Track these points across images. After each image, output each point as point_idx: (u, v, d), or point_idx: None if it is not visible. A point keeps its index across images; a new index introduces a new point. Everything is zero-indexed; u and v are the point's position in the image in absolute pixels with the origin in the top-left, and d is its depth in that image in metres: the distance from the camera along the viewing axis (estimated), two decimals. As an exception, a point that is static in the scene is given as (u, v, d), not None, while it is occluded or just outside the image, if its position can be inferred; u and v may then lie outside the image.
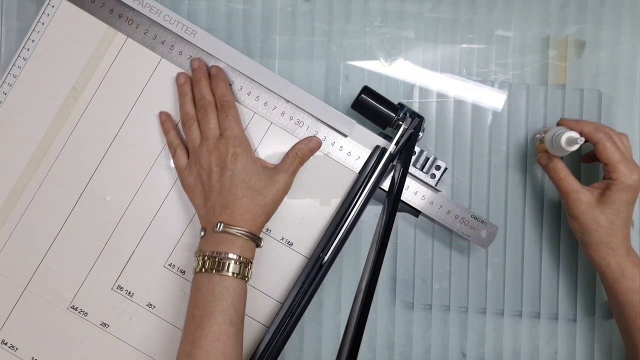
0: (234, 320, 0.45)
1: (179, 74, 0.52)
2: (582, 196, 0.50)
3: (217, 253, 0.46)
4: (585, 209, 0.50)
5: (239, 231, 0.47)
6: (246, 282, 0.47)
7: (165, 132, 0.52)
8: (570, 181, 0.51)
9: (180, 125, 0.53)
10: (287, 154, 0.52)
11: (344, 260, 0.57)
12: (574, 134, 0.49)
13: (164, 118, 0.52)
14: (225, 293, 0.45)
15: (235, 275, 0.46)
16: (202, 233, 0.49)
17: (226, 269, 0.46)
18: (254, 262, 0.48)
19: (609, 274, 0.50)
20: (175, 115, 0.53)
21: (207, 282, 0.46)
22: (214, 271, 0.46)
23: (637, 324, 0.48)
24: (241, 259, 0.46)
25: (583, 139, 0.48)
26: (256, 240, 0.48)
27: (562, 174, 0.51)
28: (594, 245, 0.50)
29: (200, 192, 0.50)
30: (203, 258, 0.47)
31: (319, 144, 0.52)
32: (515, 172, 0.58)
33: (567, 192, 0.50)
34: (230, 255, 0.46)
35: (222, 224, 0.47)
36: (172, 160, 0.53)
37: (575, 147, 0.50)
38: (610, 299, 0.52)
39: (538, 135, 0.56)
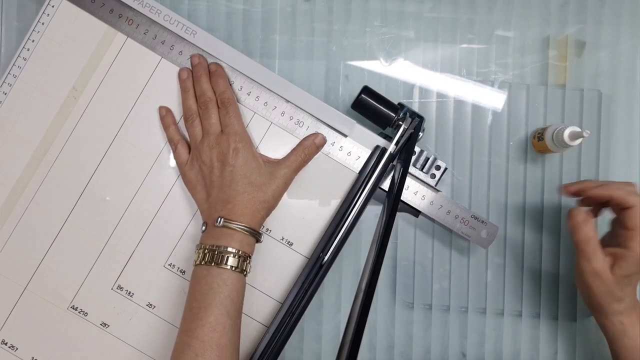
0: (231, 312, 0.45)
1: (181, 70, 0.52)
2: (600, 268, 0.46)
3: (216, 246, 0.47)
4: (600, 281, 0.47)
5: (239, 226, 0.47)
6: (245, 276, 0.48)
7: (166, 127, 0.52)
8: (589, 239, 0.46)
9: (181, 121, 0.53)
10: (293, 149, 0.52)
11: (344, 260, 0.57)
12: (577, 128, 0.49)
13: (164, 113, 0.52)
14: (223, 286, 0.46)
15: (233, 268, 0.46)
16: (204, 228, 0.49)
17: (225, 262, 0.46)
18: (254, 260, 0.49)
19: (611, 330, 0.49)
20: (176, 113, 0.53)
21: (206, 274, 0.46)
22: (213, 264, 0.46)
23: None
24: (240, 252, 0.47)
25: (589, 132, 0.48)
26: (256, 235, 0.49)
27: (584, 226, 0.46)
28: (599, 307, 0.49)
29: (202, 187, 0.50)
30: (203, 251, 0.47)
31: (324, 140, 0.53)
32: (515, 172, 0.58)
33: (584, 255, 0.47)
34: (229, 249, 0.46)
35: (222, 219, 0.47)
36: (172, 160, 0.53)
37: (578, 142, 0.50)
38: (611, 351, 0.51)
39: (535, 133, 0.56)
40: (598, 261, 0.46)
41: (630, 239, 0.47)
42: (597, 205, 0.51)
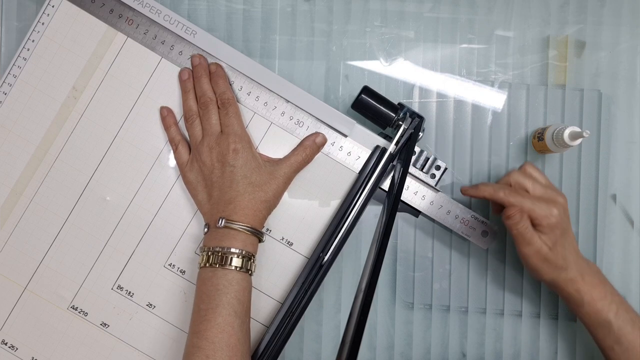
0: (239, 312, 0.46)
1: (182, 70, 0.52)
2: (536, 246, 0.49)
3: (220, 248, 0.47)
4: (543, 258, 0.49)
5: (241, 226, 0.47)
6: (250, 275, 0.48)
7: (167, 128, 0.52)
8: (526, 229, 0.49)
9: (181, 121, 0.53)
10: (294, 148, 0.52)
11: (344, 260, 0.57)
12: (577, 128, 0.49)
13: (165, 113, 0.52)
14: (229, 286, 0.46)
15: (238, 269, 0.46)
16: (206, 229, 0.49)
17: (229, 263, 0.46)
18: (257, 257, 0.49)
19: (571, 301, 0.51)
20: (176, 113, 0.53)
21: (211, 276, 0.46)
22: (217, 265, 0.46)
23: (607, 343, 0.50)
24: (244, 252, 0.47)
25: (588, 132, 0.49)
26: (258, 235, 0.49)
27: (520, 222, 0.49)
28: (554, 283, 0.51)
29: (203, 188, 0.50)
30: (207, 253, 0.47)
31: (325, 140, 0.53)
32: (515, 172, 0.58)
33: (523, 241, 0.49)
34: (233, 250, 0.47)
35: (223, 220, 0.47)
36: (172, 160, 0.53)
37: (578, 142, 0.50)
38: (583, 323, 0.53)
39: (535, 133, 0.56)
40: (537, 242, 0.49)
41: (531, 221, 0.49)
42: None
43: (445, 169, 0.54)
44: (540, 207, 0.49)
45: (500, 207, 0.52)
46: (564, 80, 0.58)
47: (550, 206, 0.49)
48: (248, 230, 0.48)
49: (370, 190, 0.51)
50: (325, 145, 0.53)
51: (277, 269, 0.53)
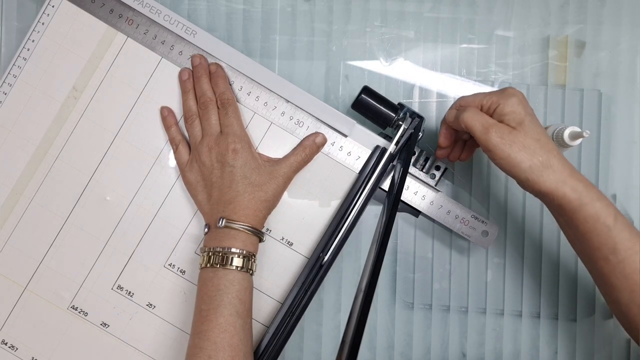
0: (240, 312, 0.46)
1: (182, 70, 0.52)
2: (502, 128, 0.44)
3: (220, 248, 0.47)
4: (511, 139, 0.43)
5: (241, 226, 0.47)
6: (251, 275, 0.48)
7: (167, 128, 0.52)
8: (484, 119, 0.44)
9: (181, 121, 0.53)
10: (294, 148, 0.52)
11: (344, 260, 0.57)
12: (577, 128, 0.49)
13: (166, 113, 0.52)
14: (230, 286, 0.46)
15: (239, 268, 0.47)
16: (206, 230, 0.49)
17: (230, 263, 0.46)
18: (257, 257, 0.49)
19: (566, 204, 0.44)
20: (176, 113, 0.53)
21: (212, 276, 0.47)
22: (218, 266, 0.46)
23: (602, 252, 0.44)
24: (244, 252, 0.47)
25: (588, 132, 0.48)
26: (258, 235, 0.49)
27: (472, 116, 0.45)
28: (536, 172, 0.43)
29: (202, 189, 0.50)
30: (208, 254, 0.47)
31: (325, 140, 0.53)
32: (515, 172, 0.58)
33: (486, 129, 0.44)
34: (234, 250, 0.47)
35: (224, 220, 0.47)
36: (172, 160, 0.53)
37: (578, 142, 0.50)
38: (568, 230, 0.47)
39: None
40: (492, 121, 0.44)
41: (494, 115, 0.45)
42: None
43: (445, 168, 0.54)
44: (494, 94, 0.45)
45: (451, 138, 0.50)
46: (564, 80, 0.58)
47: (505, 94, 0.44)
48: (248, 230, 0.48)
49: (370, 190, 0.51)
50: (325, 145, 0.53)
51: (277, 269, 0.53)
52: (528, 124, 0.44)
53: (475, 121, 0.44)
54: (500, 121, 0.45)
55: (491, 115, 0.45)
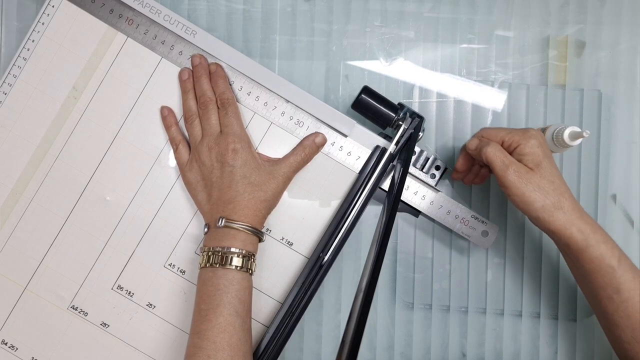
0: (240, 311, 0.46)
1: (182, 70, 0.52)
2: (520, 167, 0.46)
3: (220, 248, 0.47)
4: (527, 179, 0.46)
5: (241, 225, 0.47)
6: (250, 275, 0.48)
7: (167, 128, 0.52)
8: (505, 156, 0.47)
9: (181, 121, 0.53)
10: (294, 148, 0.53)
11: (344, 260, 0.57)
12: (577, 128, 0.49)
13: (166, 113, 0.53)
14: (230, 286, 0.46)
15: (238, 268, 0.47)
16: (206, 229, 0.49)
17: (229, 262, 0.46)
18: (257, 257, 0.49)
19: (573, 244, 0.46)
20: (176, 113, 0.53)
21: (212, 276, 0.47)
22: (218, 265, 0.47)
23: (607, 292, 0.46)
24: (244, 252, 0.47)
25: (588, 132, 0.48)
26: (258, 234, 0.49)
27: (498, 151, 0.47)
28: (547, 212, 0.46)
29: (202, 189, 0.50)
30: (207, 253, 0.47)
31: (324, 140, 0.53)
32: (515, 172, 0.58)
33: (506, 167, 0.46)
34: (233, 249, 0.47)
35: (223, 219, 0.47)
36: (172, 160, 0.53)
37: (578, 141, 0.50)
38: (574, 269, 0.50)
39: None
40: (514, 162, 0.46)
41: (513, 155, 0.48)
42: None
43: (446, 168, 0.54)
44: (516, 133, 0.47)
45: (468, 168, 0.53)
46: (564, 80, 0.58)
47: (526, 135, 0.47)
48: (248, 230, 0.48)
49: (370, 190, 0.51)
50: (325, 145, 0.53)
51: (277, 269, 0.53)
52: (545, 166, 0.47)
53: (496, 157, 0.47)
54: (519, 160, 0.47)
55: (511, 153, 0.48)
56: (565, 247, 0.47)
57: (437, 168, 0.54)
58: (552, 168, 0.47)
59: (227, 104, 0.50)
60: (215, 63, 0.52)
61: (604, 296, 0.47)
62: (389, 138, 0.54)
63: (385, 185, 0.53)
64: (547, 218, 0.46)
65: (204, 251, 0.48)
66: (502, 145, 0.49)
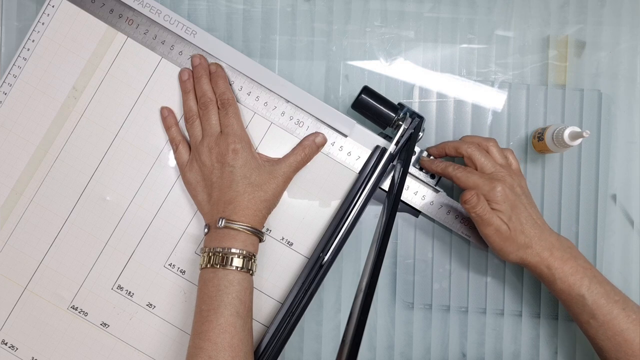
0: (241, 312, 0.46)
1: (182, 70, 0.52)
2: (495, 225, 0.49)
3: (220, 248, 0.47)
4: (500, 236, 0.49)
5: (241, 226, 0.47)
6: (251, 275, 0.48)
7: (167, 128, 0.52)
8: (484, 210, 0.48)
9: (181, 121, 0.53)
10: (294, 148, 0.53)
11: (344, 260, 0.57)
12: (577, 128, 0.50)
13: (166, 113, 0.52)
14: (230, 287, 0.46)
15: (239, 269, 0.47)
16: (206, 230, 0.49)
17: (230, 263, 0.46)
18: (257, 257, 0.49)
19: (544, 278, 0.50)
20: (176, 113, 0.53)
21: (213, 276, 0.47)
22: (218, 266, 0.47)
23: (583, 318, 0.49)
24: (244, 252, 0.47)
25: (588, 132, 0.49)
26: (259, 235, 0.49)
27: (477, 205, 0.48)
28: (518, 259, 0.50)
29: (202, 189, 0.50)
30: (208, 254, 0.47)
31: (324, 140, 0.53)
32: (515, 172, 0.58)
33: (482, 222, 0.49)
34: (234, 250, 0.47)
35: (223, 220, 0.47)
36: (172, 160, 0.53)
37: (578, 142, 0.50)
38: (554, 295, 0.52)
39: (535, 133, 0.56)
40: (495, 221, 0.49)
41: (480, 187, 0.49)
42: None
43: (445, 169, 0.54)
44: (484, 183, 0.49)
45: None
46: (564, 80, 0.58)
47: (493, 182, 0.49)
48: (248, 230, 0.48)
49: (370, 190, 0.51)
50: (325, 145, 0.53)
51: (277, 269, 0.53)
52: (513, 210, 0.49)
53: (481, 212, 0.49)
54: (491, 207, 0.49)
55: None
56: (539, 278, 0.51)
57: (437, 168, 0.54)
58: (520, 208, 0.49)
59: (227, 104, 0.50)
60: (216, 63, 0.52)
61: (582, 321, 0.50)
62: (389, 138, 0.54)
63: (385, 185, 0.53)
64: (516, 260, 0.50)
65: (205, 252, 0.48)
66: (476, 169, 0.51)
